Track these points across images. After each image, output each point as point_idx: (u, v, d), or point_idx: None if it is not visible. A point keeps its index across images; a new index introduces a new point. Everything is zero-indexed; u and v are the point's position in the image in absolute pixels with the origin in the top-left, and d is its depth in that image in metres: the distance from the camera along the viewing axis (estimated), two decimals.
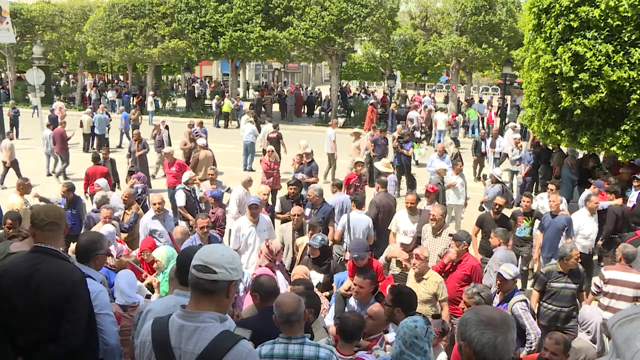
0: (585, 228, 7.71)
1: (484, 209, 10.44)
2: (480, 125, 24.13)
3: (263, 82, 49.08)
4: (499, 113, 25.06)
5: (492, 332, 1.93)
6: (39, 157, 15.73)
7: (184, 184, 8.89)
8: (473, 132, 23.35)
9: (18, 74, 35.33)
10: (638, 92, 8.14)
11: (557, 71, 8.79)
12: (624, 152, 8.81)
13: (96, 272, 3.60)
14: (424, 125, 21.37)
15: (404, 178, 13.34)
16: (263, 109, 26.78)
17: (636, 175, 9.07)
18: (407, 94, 37.83)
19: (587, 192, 8.94)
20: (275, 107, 30.31)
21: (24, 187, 7.98)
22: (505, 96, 23.10)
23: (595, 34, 8.36)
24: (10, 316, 2.95)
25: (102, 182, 8.63)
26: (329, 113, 27.57)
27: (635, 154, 8.97)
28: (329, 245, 6.44)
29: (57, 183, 13.44)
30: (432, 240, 6.57)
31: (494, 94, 43.71)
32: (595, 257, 8.53)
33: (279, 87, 43.15)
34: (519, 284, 7.11)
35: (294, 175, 10.31)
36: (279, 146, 14.47)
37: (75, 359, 3.04)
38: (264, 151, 12.31)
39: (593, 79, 8.37)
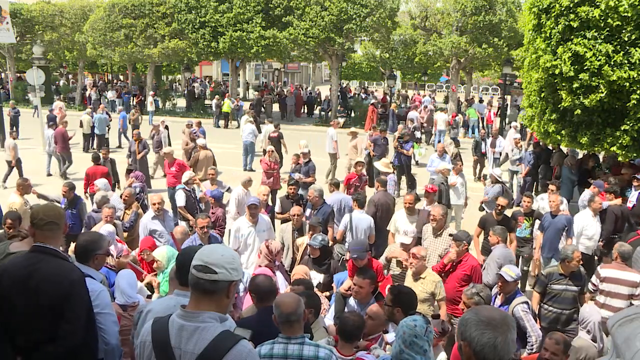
0: (589, 229, 7.71)
1: (483, 209, 10.45)
2: (480, 125, 24.14)
3: (263, 82, 49.06)
4: (498, 113, 25.09)
5: (492, 332, 1.93)
6: (39, 157, 15.72)
7: (184, 184, 8.89)
8: (473, 132, 23.37)
9: (18, 74, 35.31)
10: (638, 92, 8.13)
11: (557, 71, 8.78)
12: (624, 152, 8.80)
13: (96, 272, 3.60)
14: (425, 125, 21.37)
15: (404, 178, 13.33)
16: (263, 109, 26.79)
17: (636, 175, 9.07)
18: (408, 94, 37.85)
19: (587, 192, 8.94)
20: (275, 107, 30.31)
21: (24, 187, 7.96)
22: (505, 96, 23.12)
23: (595, 34, 8.36)
24: (9, 316, 2.94)
25: (101, 182, 8.61)
26: (329, 113, 27.57)
27: (635, 154, 8.96)
28: (329, 245, 6.45)
29: (57, 183, 13.43)
30: (433, 241, 6.56)
31: (494, 94, 43.73)
32: (596, 258, 8.52)
33: (278, 87, 43.17)
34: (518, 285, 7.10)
35: (290, 175, 10.31)
36: (279, 146, 14.47)
37: (74, 358, 3.04)
38: (264, 151, 12.32)
39: (593, 79, 8.36)
